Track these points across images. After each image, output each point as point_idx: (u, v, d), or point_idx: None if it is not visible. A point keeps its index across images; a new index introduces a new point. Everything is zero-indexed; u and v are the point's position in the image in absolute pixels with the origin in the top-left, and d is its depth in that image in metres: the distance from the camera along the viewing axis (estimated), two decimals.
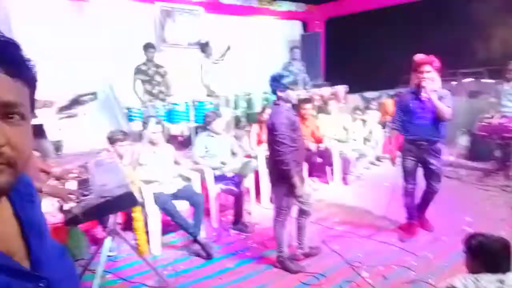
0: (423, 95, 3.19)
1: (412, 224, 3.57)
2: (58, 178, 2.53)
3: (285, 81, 2.77)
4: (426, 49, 6.12)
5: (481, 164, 5.54)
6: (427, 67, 3.15)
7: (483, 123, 4.93)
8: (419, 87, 3.21)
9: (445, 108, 3.14)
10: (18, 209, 0.64)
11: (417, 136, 3.32)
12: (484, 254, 1.76)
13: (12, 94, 0.55)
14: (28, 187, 0.69)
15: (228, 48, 5.84)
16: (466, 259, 1.87)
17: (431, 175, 3.41)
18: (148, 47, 5.56)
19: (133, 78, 5.53)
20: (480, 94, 6.99)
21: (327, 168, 5.22)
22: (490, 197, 4.39)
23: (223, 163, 3.92)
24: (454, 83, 7.09)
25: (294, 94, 2.84)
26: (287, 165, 2.69)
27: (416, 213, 3.59)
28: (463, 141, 5.74)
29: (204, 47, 6.36)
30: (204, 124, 4.16)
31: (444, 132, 3.31)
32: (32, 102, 0.60)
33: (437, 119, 3.21)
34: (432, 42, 6.44)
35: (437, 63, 3.16)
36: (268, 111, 3.70)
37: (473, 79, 7.51)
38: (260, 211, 4.27)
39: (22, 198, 0.65)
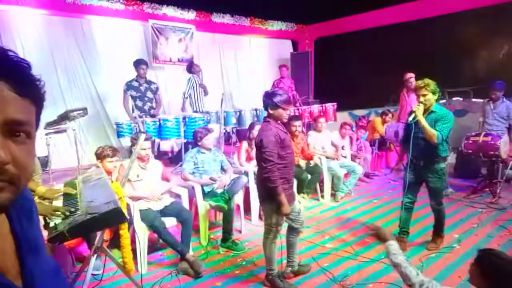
0: (416, 118, 3.29)
1: (402, 239, 3.59)
2: (42, 198, 2.48)
3: (277, 99, 2.79)
4: (413, 68, 6.27)
5: (468, 181, 5.63)
6: (423, 91, 3.28)
7: (469, 141, 5.01)
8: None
9: (431, 132, 3.23)
10: (15, 225, 0.63)
11: (415, 155, 3.44)
12: (496, 277, 1.59)
13: (21, 112, 0.55)
14: (27, 204, 0.68)
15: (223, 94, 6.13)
16: (473, 273, 1.70)
17: (430, 194, 3.52)
18: (140, 63, 5.59)
19: (123, 94, 5.53)
20: (467, 113, 7.15)
21: (317, 185, 5.24)
22: (477, 214, 4.44)
23: (212, 179, 3.91)
24: (441, 101, 7.24)
25: (285, 113, 2.85)
26: (274, 182, 2.68)
27: (408, 229, 3.66)
28: (450, 158, 5.82)
29: (190, 65, 6.43)
30: (194, 140, 4.15)
31: (446, 153, 3.40)
32: (38, 120, 0.61)
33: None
34: (419, 61, 6.62)
35: (433, 85, 3.28)
36: (258, 127, 3.72)
37: (459, 98, 7.68)
38: (249, 228, 4.24)
39: (20, 214, 0.65)
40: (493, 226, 4.06)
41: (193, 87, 6.14)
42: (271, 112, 2.82)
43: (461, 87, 8.13)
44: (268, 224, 2.90)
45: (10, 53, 0.55)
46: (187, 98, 6.17)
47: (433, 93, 3.29)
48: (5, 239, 0.61)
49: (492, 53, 7.46)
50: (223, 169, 4.13)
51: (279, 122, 2.86)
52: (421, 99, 3.30)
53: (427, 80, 3.29)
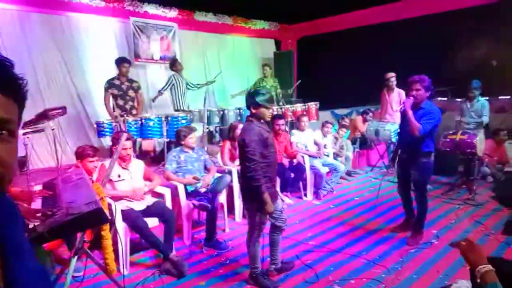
0: (405, 109, 3.45)
1: (406, 221, 3.85)
2: (15, 199, 2.41)
3: (259, 98, 2.80)
4: (393, 68, 6.37)
5: (445, 178, 5.78)
6: (416, 85, 3.40)
7: (446, 139, 5.14)
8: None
9: (414, 124, 3.36)
10: None
11: (401, 146, 3.66)
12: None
13: (4, 111, 0.55)
14: (10, 207, 0.68)
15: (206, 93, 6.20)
16: None
17: (413, 185, 3.70)
18: (122, 61, 5.50)
19: (104, 92, 5.44)
20: (445, 111, 7.31)
21: (300, 183, 5.29)
22: (455, 210, 4.57)
23: (196, 178, 3.89)
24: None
25: (267, 112, 2.86)
26: (258, 181, 2.70)
27: (409, 211, 3.89)
28: None
29: (172, 63, 6.39)
30: (177, 140, 4.13)
31: (428, 148, 3.50)
32: (20, 119, 0.61)
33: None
34: (399, 61, 6.74)
35: (425, 82, 3.40)
36: (240, 126, 3.73)
37: (437, 98, 7.86)
38: (233, 227, 4.25)
39: (4, 217, 0.64)
40: (470, 221, 4.19)
41: (174, 85, 6.09)
42: (253, 111, 2.83)
43: (439, 86, 8.32)
44: (252, 223, 2.92)
45: None
46: (161, 94, 6.16)
47: (426, 89, 3.39)
48: None
49: (470, 54, 7.65)
50: (206, 169, 4.12)
51: (262, 121, 2.87)
52: (413, 92, 3.41)
53: (423, 76, 3.41)
